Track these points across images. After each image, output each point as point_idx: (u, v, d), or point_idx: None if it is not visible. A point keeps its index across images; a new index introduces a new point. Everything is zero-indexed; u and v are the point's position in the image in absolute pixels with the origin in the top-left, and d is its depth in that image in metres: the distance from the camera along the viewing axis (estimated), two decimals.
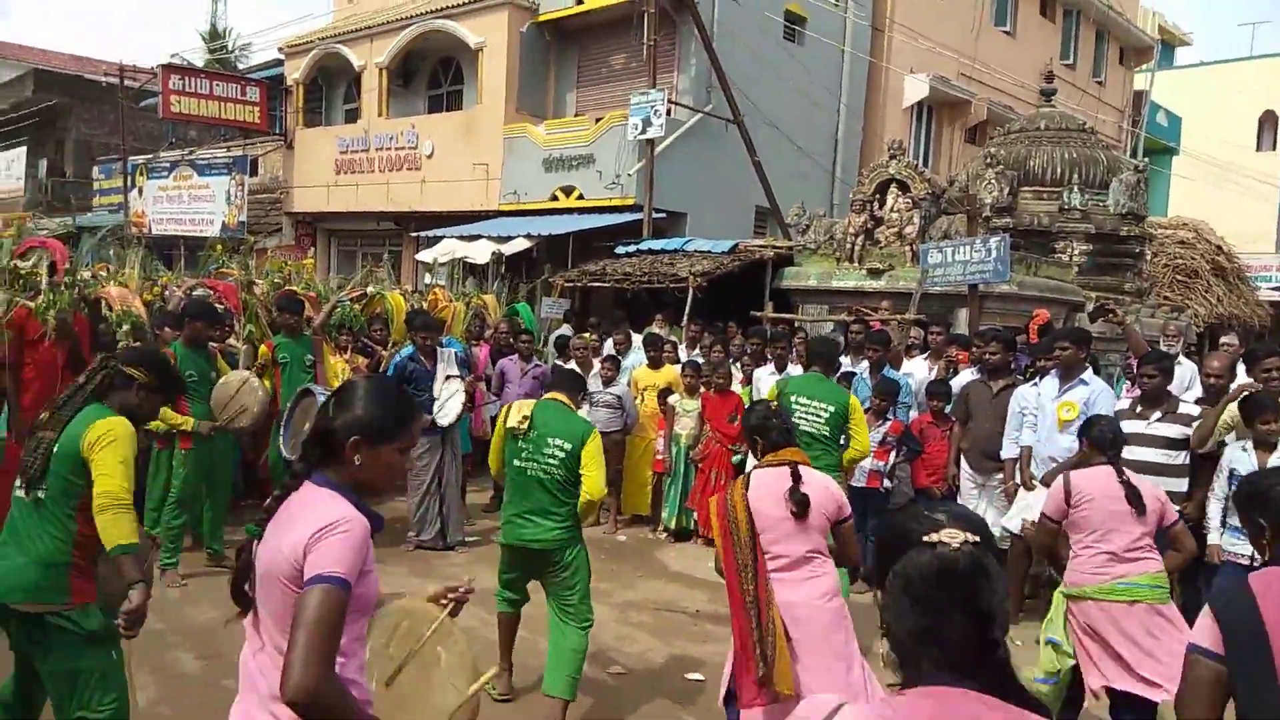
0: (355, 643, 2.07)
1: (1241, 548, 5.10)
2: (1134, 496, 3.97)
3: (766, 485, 3.58)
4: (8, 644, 3.22)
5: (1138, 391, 6.10)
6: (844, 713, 1.37)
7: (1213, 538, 5.29)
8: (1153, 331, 9.86)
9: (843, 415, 5.60)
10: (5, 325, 6.64)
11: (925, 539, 1.39)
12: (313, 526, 1.98)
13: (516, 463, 4.43)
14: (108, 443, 3.14)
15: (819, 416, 5.62)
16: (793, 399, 5.64)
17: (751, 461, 4.00)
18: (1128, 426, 5.68)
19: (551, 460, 4.37)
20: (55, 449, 3.15)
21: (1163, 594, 3.98)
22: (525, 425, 4.42)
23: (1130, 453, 5.59)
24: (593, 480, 4.34)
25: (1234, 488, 5.15)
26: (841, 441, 5.66)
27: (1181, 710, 2.19)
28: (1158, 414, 5.67)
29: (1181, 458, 5.62)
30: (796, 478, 3.53)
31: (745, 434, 3.90)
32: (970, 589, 1.36)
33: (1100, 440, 4.25)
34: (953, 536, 1.38)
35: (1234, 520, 5.15)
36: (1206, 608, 2.21)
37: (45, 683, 3.17)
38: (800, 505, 3.48)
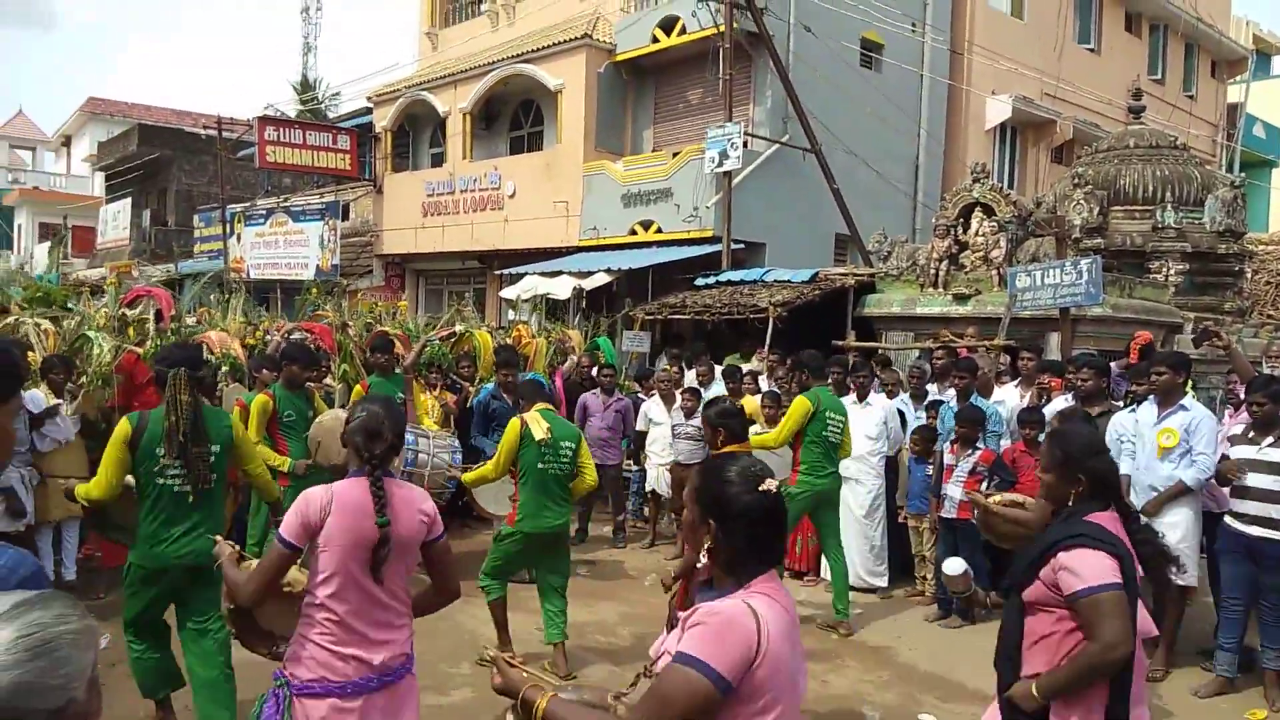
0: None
1: None
2: None
3: None
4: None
5: (1244, 415, 5.86)
6: (755, 606, 1.92)
7: None
8: (1254, 353, 9.46)
9: (845, 425, 6.67)
10: (115, 370, 7.02)
11: (760, 488, 2.02)
12: (426, 504, 3.10)
13: (541, 465, 5.35)
14: (245, 434, 4.48)
15: (838, 427, 6.59)
16: (826, 414, 6.50)
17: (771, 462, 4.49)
18: (1240, 453, 5.48)
19: (564, 459, 5.43)
20: (214, 450, 4.13)
21: None
22: (549, 435, 5.33)
23: (1243, 479, 5.40)
24: (591, 471, 5.63)
25: None
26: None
27: None
28: (1270, 439, 5.43)
29: None
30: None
31: (707, 422, 4.79)
32: (784, 515, 2.11)
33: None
34: (771, 485, 2.04)
35: None
36: None
37: (192, 610, 4.25)
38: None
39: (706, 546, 2.07)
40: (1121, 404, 6.60)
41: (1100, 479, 2.95)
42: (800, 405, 6.47)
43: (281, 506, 4.63)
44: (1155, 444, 5.83)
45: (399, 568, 2.99)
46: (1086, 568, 2.75)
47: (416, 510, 3.03)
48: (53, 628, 1.16)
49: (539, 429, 5.30)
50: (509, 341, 10.08)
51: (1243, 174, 16.60)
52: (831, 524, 6.66)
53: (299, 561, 3.01)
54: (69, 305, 8.34)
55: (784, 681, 1.92)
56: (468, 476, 5.76)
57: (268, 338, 8.25)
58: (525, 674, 2.20)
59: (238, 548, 3.18)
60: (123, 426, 4.07)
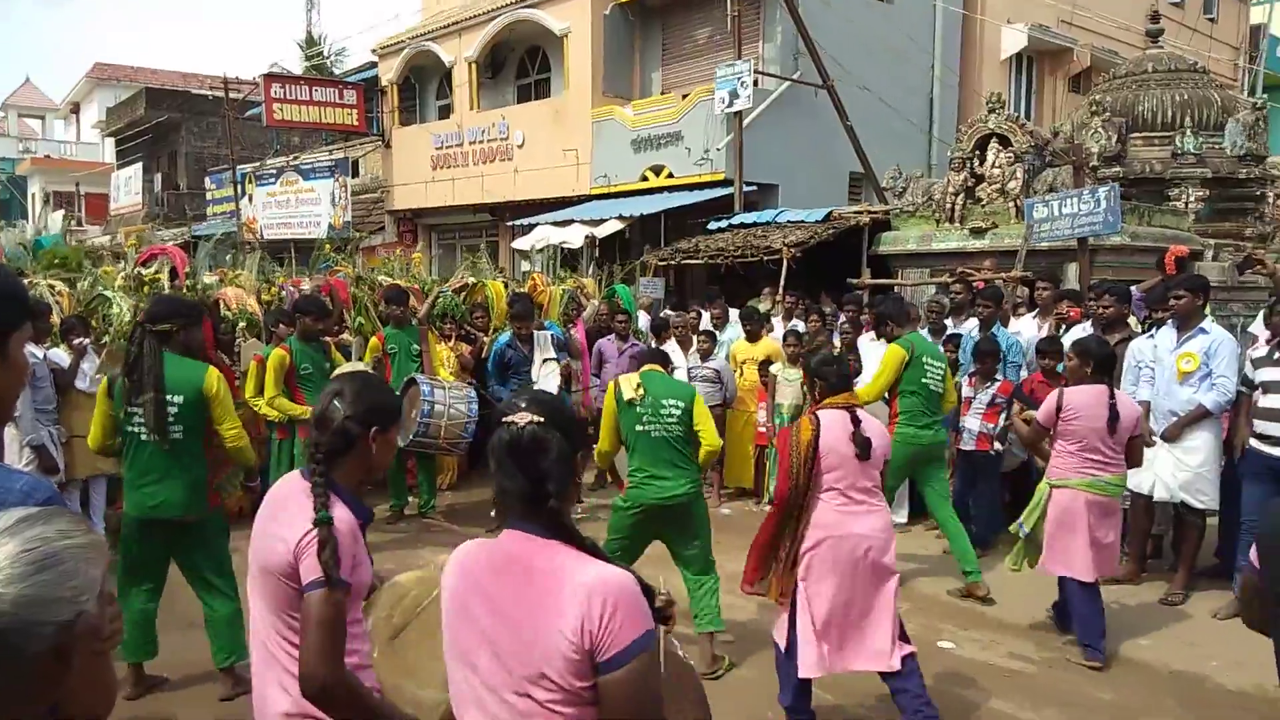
0: (353, 624, 2.21)
1: None
2: (1113, 418, 4.78)
3: (836, 425, 3.88)
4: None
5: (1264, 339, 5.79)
6: (454, 552, 1.83)
7: None
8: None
9: (946, 372, 6.23)
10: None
11: (504, 419, 1.80)
12: (300, 530, 2.10)
13: (639, 428, 4.75)
14: (224, 393, 4.22)
15: (939, 374, 6.10)
16: (924, 360, 6.04)
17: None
18: (1265, 374, 5.43)
19: (670, 418, 4.74)
20: (176, 400, 4.08)
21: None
22: (641, 393, 4.76)
23: (1267, 400, 5.38)
24: (709, 432, 4.82)
25: None
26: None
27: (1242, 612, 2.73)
28: None
29: None
30: (856, 421, 3.89)
31: (807, 374, 4.24)
32: (528, 455, 1.77)
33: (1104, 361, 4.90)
34: (522, 418, 1.78)
35: None
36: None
37: (191, 564, 4.36)
38: (863, 446, 3.84)
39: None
40: (1142, 330, 6.54)
41: None
42: (894, 354, 6.01)
43: (256, 473, 4.86)
44: (1175, 369, 5.79)
45: (264, 604, 2.21)
46: None
47: (274, 526, 2.19)
48: (56, 541, 1.15)
49: (626, 389, 4.80)
50: (523, 291, 10.08)
51: (1265, 96, 16.24)
52: (938, 482, 6.09)
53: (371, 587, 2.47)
54: (82, 266, 8.40)
55: (452, 648, 1.80)
56: (597, 457, 5.16)
57: (283, 294, 8.27)
58: None
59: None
60: (105, 381, 4.31)
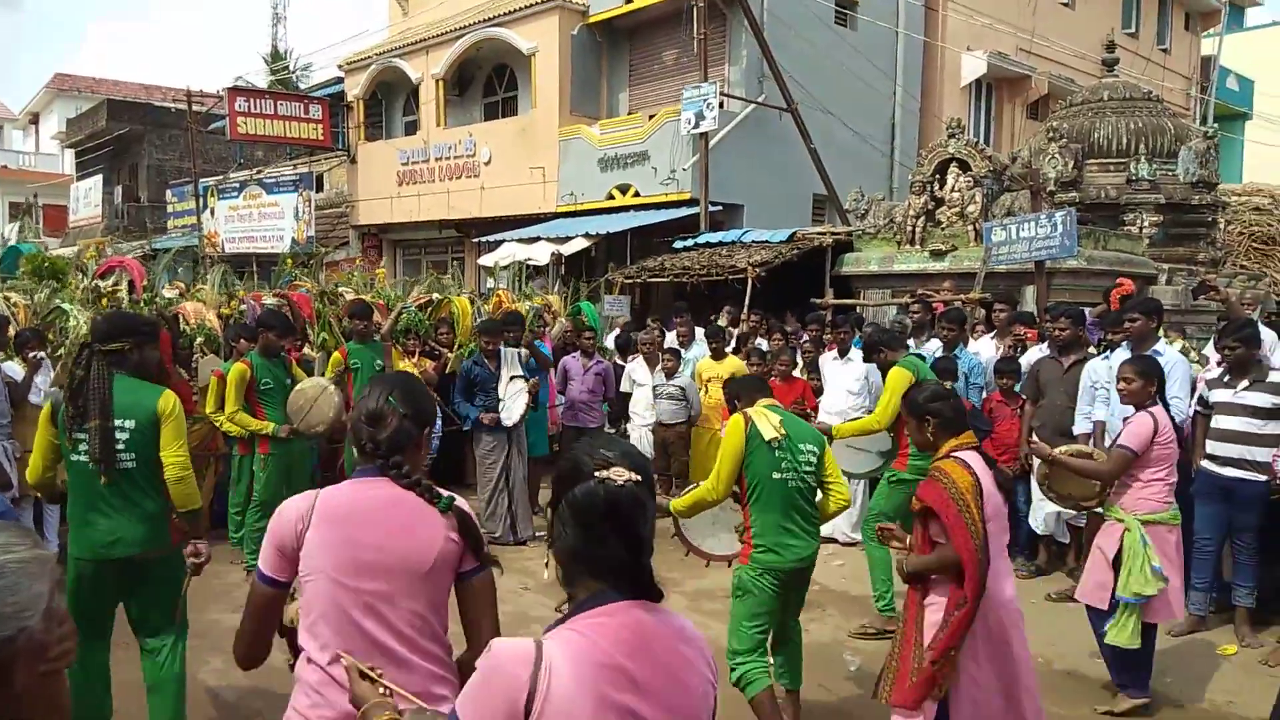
0: None
1: None
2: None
3: (980, 467, 3.37)
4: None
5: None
6: (547, 648, 1.49)
7: None
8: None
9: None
10: None
11: (596, 474, 1.55)
12: (441, 520, 2.17)
13: (776, 476, 3.98)
14: (178, 416, 3.73)
15: None
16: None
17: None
18: (1216, 396, 5.58)
19: (807, 468, 4.04)
20: (128, 426, 3.60)
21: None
22: (783, 432, 4.02)
23: (1219, 421, 5.50)
24: (842, 484, 4.17)
25: None
26: None
27: None
28: (1245, 383, 5.51)
29: (1270, 426, 5.43)
30: (991, 461, 3.49)
31: (910, 413, 3.63)
32: (630, 519, 1.54)
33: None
34: (619, 474, 1.54)
35: None
36: None
37: (143, 623, 3.80)
38: (1007, 490, 3.47)
39: (551, 547, 1.64)
40: (1096, 352, 6.67)
41: None
42: (899, 378, 5.61)
43: (198, 518, 3.92)
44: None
45: (414, 606, 2.13)
46: None
47: (440, 523, 2.17)
48: None
49: (767, 426, 4.00)
50: (488, 309, 10.08)
51: (1215, 125, 16.68)
52: None
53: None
54: (64, 276, 8.27)
55: None
56: (679, 502, 4.25)
57: (243, 308, 8.20)
58: (381, 689, 1.89)
59: (385, 684, 2.14)
60: (48, 404, 3.81)
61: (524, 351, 7.93)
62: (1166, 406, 4.78)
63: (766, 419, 4.04)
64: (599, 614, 1.52)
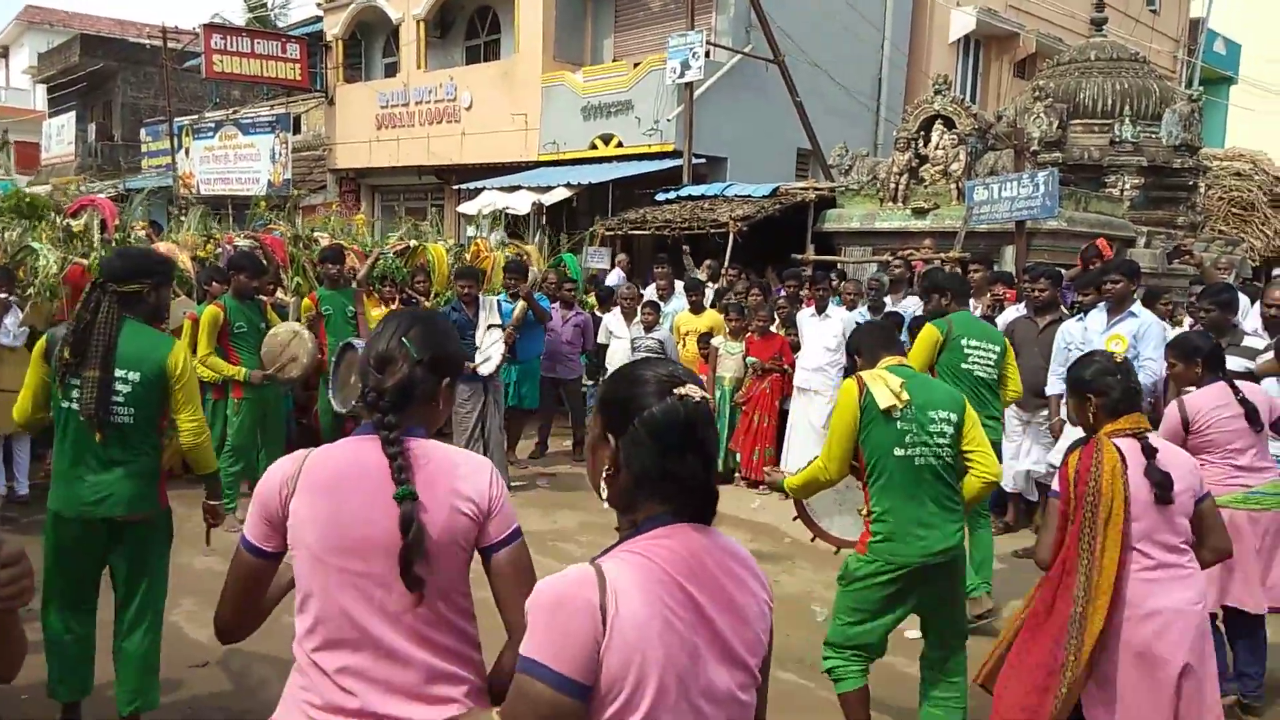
0: None
1: None
2: (1252, 413, 3.99)
3: (1133, 460, 2.96)
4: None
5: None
6: (607, 570, 1.44)
7: None
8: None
9: (1004, 356, 5.29)
10: (62, 281, 6.87)
11: (674, 391, 1.50)
12: (482, 483, 1.90)
13: (900, 452, 3.36)
14: (189, 374, 3.47)
15: (989, 359, 5.24)
16: (962, 341, 5.20)
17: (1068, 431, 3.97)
18: None
19: (942, 440, 3.40)
20: (131, 379, 3.33)
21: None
22: (905, 398, 3.37)
23: None
24: (988, 457, 3.50)
25: None
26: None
27: None
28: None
29: None
30: (1151, 452, 2.97)
31: (1073, 390, 3.20)
32: (706, 435, 1.52)
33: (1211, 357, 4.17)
34: (693, 391, 1.52)
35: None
36: None
37: (126, 585, 3.53)
38: (1162, 486, 2.91)
39: (605, 474, 1.55)
40: (1069, 313, 6.71)
41: None
42: (927, 335, 5.20)
43: (217, 480, 3.79)
44: (1105, 350, 5.94)
45: (429, 589, 1.83)
46: None
47: (449, 493, 1.85)
48: None
49: (884, 392, 3.36)
50: (467, 256, 10.00)
51: (1200, 88, 16.64)
52: None
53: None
54: (45, 215, 8.07)
55: (654, 679, 1.39)
56: (793, 480, 3.66)
57: (218, 251, 8.09)
58: None
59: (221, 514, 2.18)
60: (42, 340, 3.50)
61: (519, 305, 7.87)
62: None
63: (884, 384, 3.37)
64: (658, 535, 1.49)
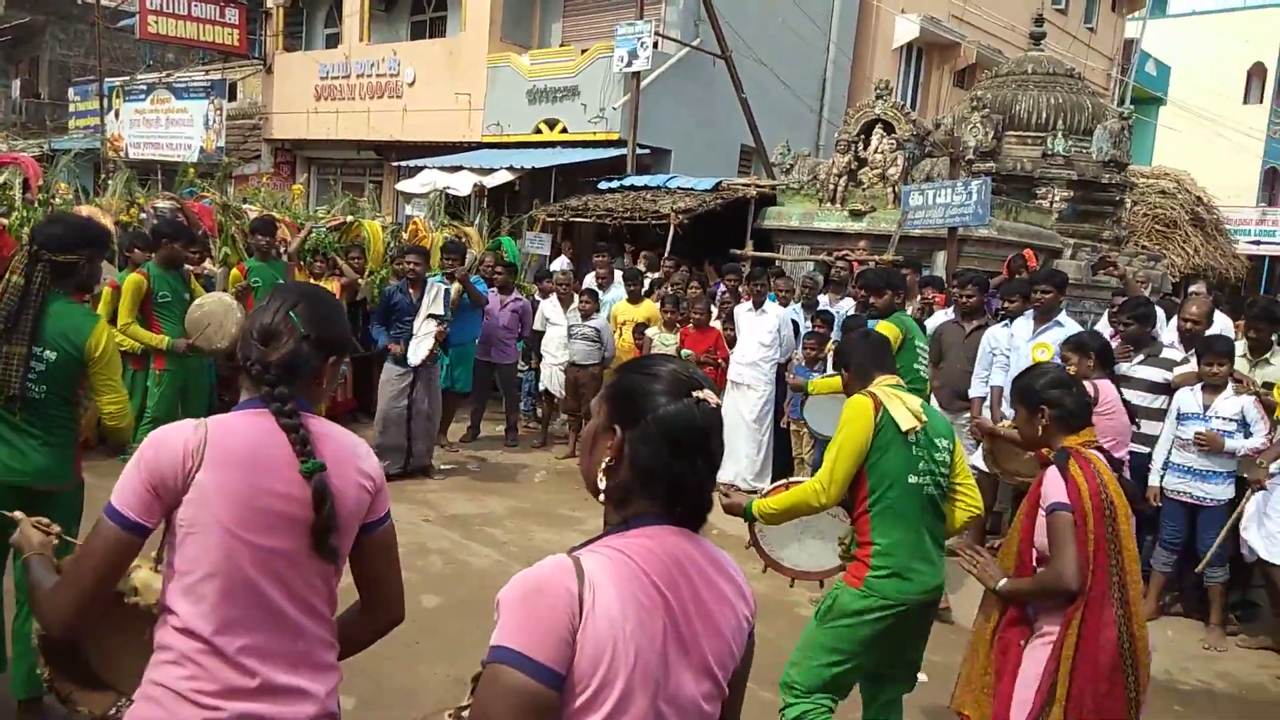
0: None
1: (1183, 486, 5.29)
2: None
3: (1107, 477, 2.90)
4: None
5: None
6: (585, 563, 1.42)
7: (1153, 479, 5.45)
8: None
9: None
10: None
11: (692, 394, 1.49)
12: (375, 462, 1.96)
13: (913, 480, 3.13)
14: (110, 355, 3.33)
15: (925, 360, 5.81)
16: (916, 343, 5.60)
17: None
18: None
19: (944, 469, 3.22)
20: (46, 357, 3.21)
21: None
22: (923, 422, 3.16)
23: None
24: (975, 491, 3.33)
25: (1180, 427, 5.31)
26: None
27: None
28: (1140, 357, 5.75)
29: (1161, 401, 5.69)
30: (1118, 466, 3.05)
31: (1022, 400, 3.09)
32: (716, 443, 1.52)
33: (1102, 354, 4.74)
34: (711, 398, 1.51)
35: (1178, 458, 5.31)
36: None
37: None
38: (1134, 499, 2.94)
39: (604, 464, 1.52)
40: (994, 319, 6.88)
41: None
42: (890, 333, 5.13)
43: (127, 448, 3.56)
44: (1030, 357, 6.09)
45: (316, 566, 1.84)
46: None
47: (354, 470, 1.89)
48: None
49: (904, 413, 3.13)
50: (405, 235, 9.86)
51: (1131, 107, 17.15)
52: None
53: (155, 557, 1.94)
54: None
55: (620, 679, 1.37)
56: (767, 504, 3.29)
57: (142, 216, 7.86)
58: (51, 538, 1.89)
59: (55, 530, 2.10)
60: None
61: (454, 288, 7.77)
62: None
63: (903, 403, 3.15)
64: (639, 535, 1.47)
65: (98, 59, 21.68)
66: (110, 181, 9.30)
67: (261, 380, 1.84)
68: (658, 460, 1.47)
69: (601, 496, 1.54)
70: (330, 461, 1.82)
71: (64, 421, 3.36)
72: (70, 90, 24.95)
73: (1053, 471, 2.89)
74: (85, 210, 7.59)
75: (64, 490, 3.39)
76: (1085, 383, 4.31)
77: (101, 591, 1.79)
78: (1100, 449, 2.98)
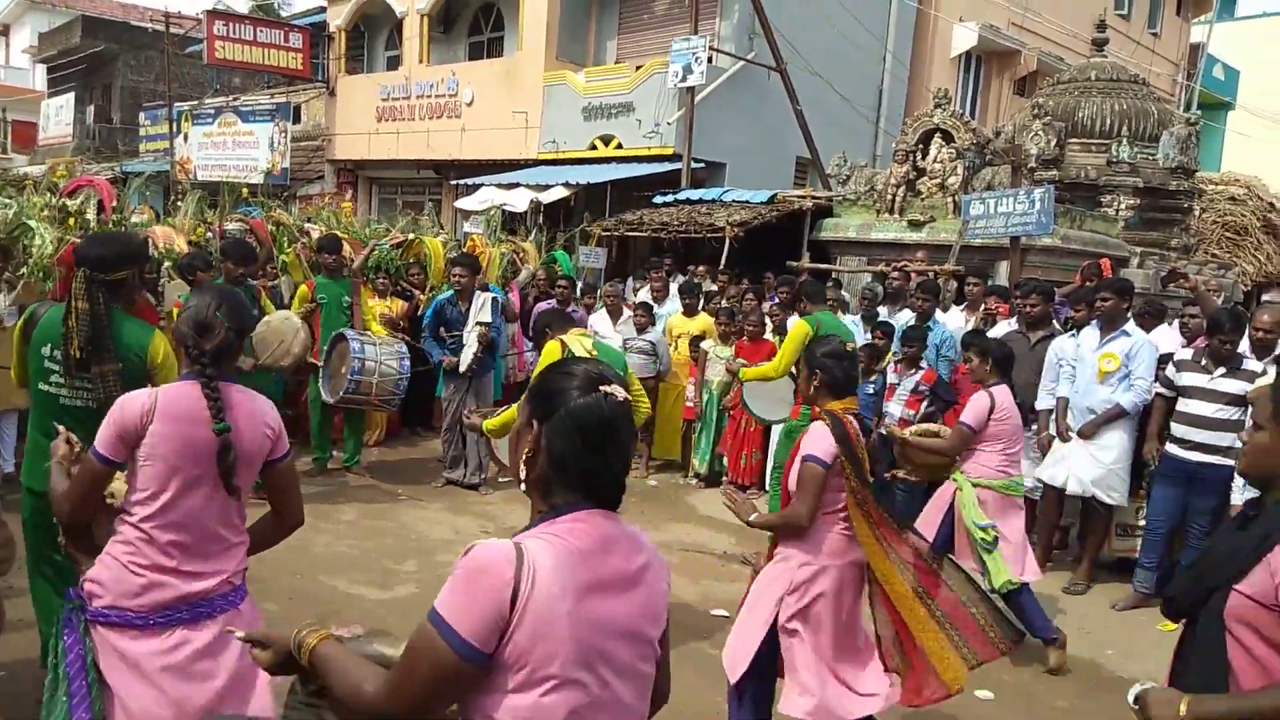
0: None
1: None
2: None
3: (855, 434, 3.39)
4: None
5: (1201, 343, 5.96)
6: (527, 547, 1.54)
7: (1235, 496, 5.22)
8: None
9: None
10: (56, 262, 6.83)
11: (600, 389, 1.63)
12: (275, 415, 2.72)
13: None
14: (170, 361, 3.48)
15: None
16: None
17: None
18: (1188, 379, 5.61)
19: None
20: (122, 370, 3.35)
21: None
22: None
23: (1189, 406, 5.55)
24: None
25: None
26: None
27: None
28: (1222, 370, 5.54)
29: (1238, 413, 5.49)
30: (867, 431, 3.48)
31: (806, 362, 3.58)
32: (626, 434, 1.66)
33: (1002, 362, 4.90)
34: (618, 391, 1.65)
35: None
36: None
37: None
38: (875, 461, 3.49)
39: (525, 456, 1.67)
40: (1063, 329, 6.73)
41: None
42: (799, 330, 5.85)
43: None
44: (1096, 367, 5.98)
45: (241, 489, 2.62)
46: None
47: (260, 423, 2.63)
48: None
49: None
50: (465, 251, 9.97)
51: (1198, 112, 16.74)
52: None
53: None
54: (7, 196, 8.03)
55: (562, 652, 1.51)
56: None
57: (208, 235, 8.07)
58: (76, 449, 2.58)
59: (78, 445, 2.64)
60: (22, 319, 3.60)
61: (499, 295, 7.81)
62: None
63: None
64: (571, 519, 1.61)
65: (167, 84, 22.42)
66: (181, 203, 9.55)
67: (197, 362, 2.54)
68: (570, 450, 1.62)
69: (523, 486, 1.70)
70: (242, 419, 2.57)
71: None
72: (141, 115, 25.78)
73: (819, 426, 3.39)
74: (159, 230, 7.82)
75: None
76: (981, 390, 4.85)
77: (90, 498, 2.56)
78: (858, 416, 3.47)
